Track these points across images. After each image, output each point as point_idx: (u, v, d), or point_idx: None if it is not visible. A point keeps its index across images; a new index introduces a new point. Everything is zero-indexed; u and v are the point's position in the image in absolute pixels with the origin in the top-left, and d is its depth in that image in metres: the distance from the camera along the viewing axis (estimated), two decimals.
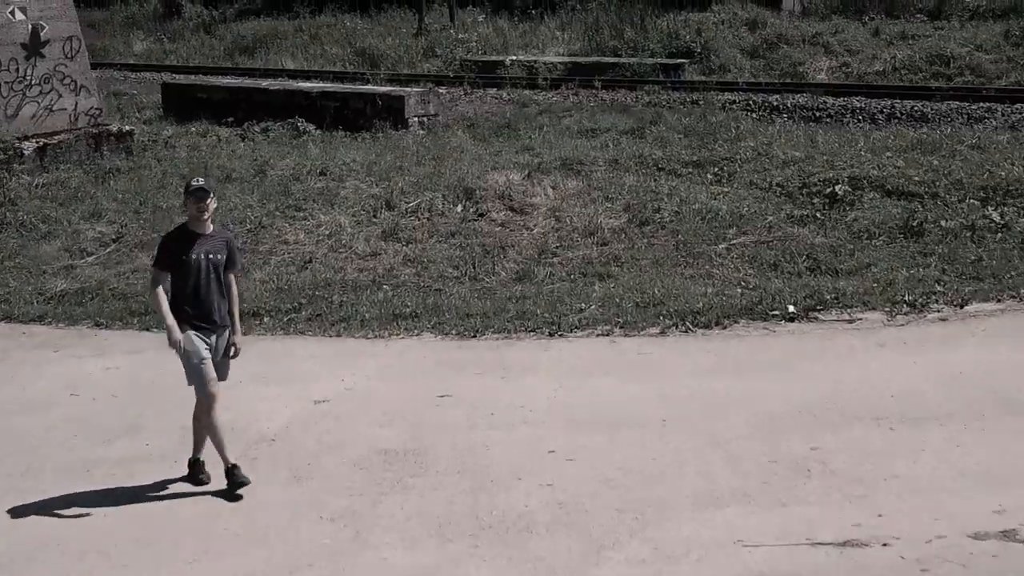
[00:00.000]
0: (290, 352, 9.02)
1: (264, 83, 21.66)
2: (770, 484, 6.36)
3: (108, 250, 12.29)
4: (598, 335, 9.20)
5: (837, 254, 11.23)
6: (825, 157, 14.97)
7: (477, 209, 13.52)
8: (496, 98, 21.31)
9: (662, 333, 9.11)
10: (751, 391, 7.71)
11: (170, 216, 13.06)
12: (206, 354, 6.53)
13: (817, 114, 18.94)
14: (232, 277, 6.80)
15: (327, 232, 12.90)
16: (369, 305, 10.30)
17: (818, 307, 9.45)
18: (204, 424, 6.58)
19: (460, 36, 27.78)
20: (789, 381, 7.87)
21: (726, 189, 13.78)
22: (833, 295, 9.65)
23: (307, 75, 24.76)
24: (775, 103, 19.40)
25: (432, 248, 12.29)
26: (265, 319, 9.85)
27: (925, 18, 27.00)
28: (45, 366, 8.97)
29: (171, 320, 6.47)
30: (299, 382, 8.29)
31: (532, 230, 12.83)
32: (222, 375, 6.67)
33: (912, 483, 6.34)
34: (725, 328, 9.13)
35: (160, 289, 6.53)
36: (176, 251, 6.50)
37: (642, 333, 9.15)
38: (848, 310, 9.41)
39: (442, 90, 21.97)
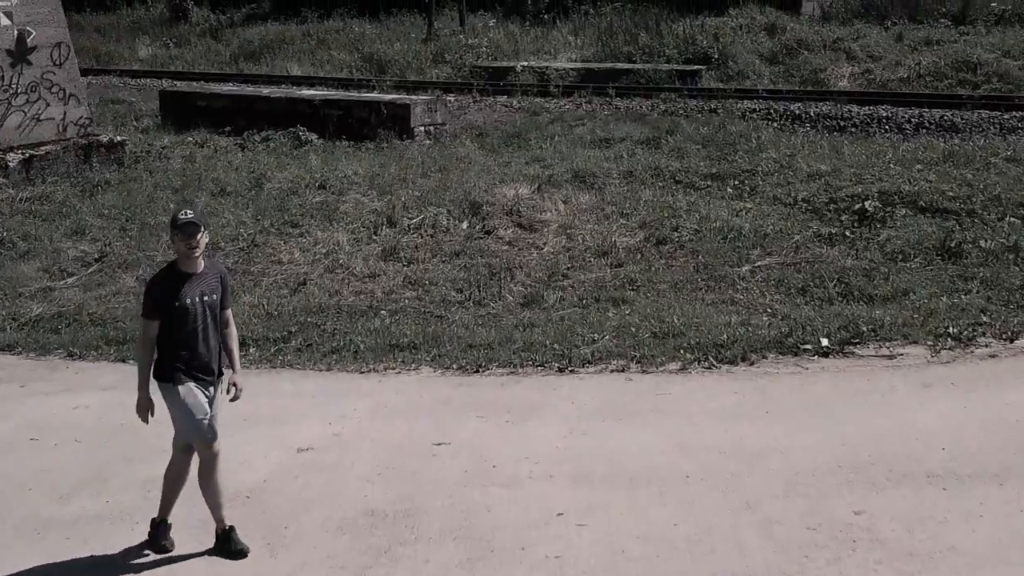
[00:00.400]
0: (276, 389, 8.24)
1: (265, 91, 20.94)
2: (811, 558, 5.55)
3: (90, 270, 11.54)
4: (612, 371, 8.40)
5: (870, 278, 10.40)
6: (852, 170, 14.18)
7: (484, 226, 12.74)
8: (506, 106, 20.53)
9: (683, 369, 8.30)
10: (784, 440, 6.90)
11: (157, 233, 12.32)
12: (208, 409, 5.81)
13: (842, 123, 18.13)
14: (229, 313, 6.05)
15: (324, 251, 12.14)
16: (365, 334, 9.52)
17: (854, 340, 8.62)
18: (202, 484, 5.85)
19: (470, 42, 27.01)
20: (826, 429, 7.04)
21: (748, 205, 12.98)
22: (870, 326, 8.83)
23: (311, 82, 24.03)
24: (797, 112, 18.59)
25: (435, 269, 11.51)
26: (251, 349, 9.07)
27: (949, 23, 26.11)
28: (9, 404, 8.21)
29: (145, 392, 5.77)
30: (283, 425, 7.50)
31: (542, 249, 12.04)
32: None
33: (972, 556, 5.53)
34: (752, 364, 8.32)
35: (149, 342, 5.77)
36: (166, 297, 5.70)
37: (660, 369, 8.34)
38: (887, 344, 8.59)
39: (450, 98, 21.22)
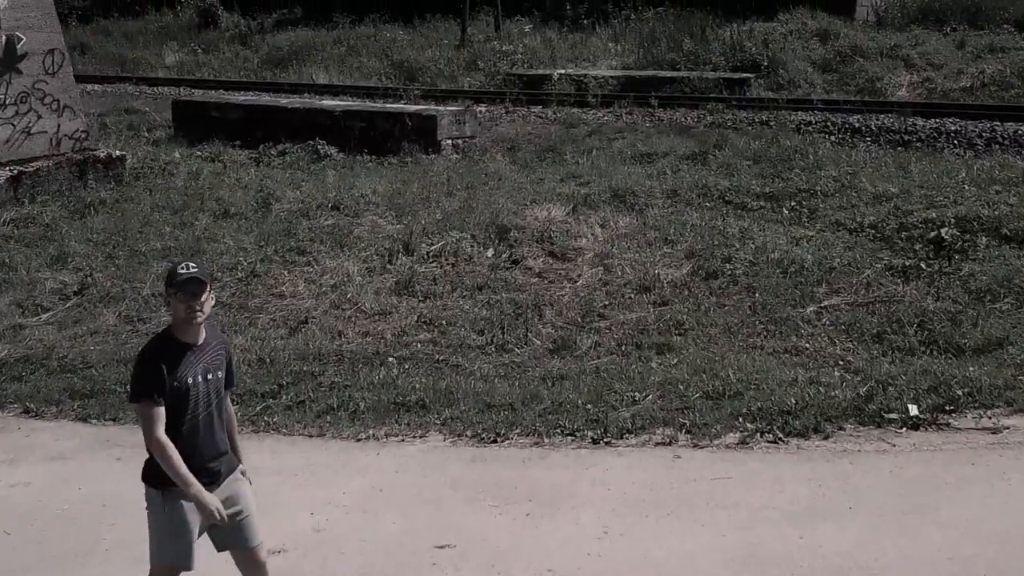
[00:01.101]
0: (256, 463, 6.81)
1: (283, 101, 19.70)
2: None
3: (68, 305, 10.29)
4: (656, 444, 7.00)
5: (956, 323, 8.92)
6: (922, 191, 12.69)
7: (511, 254, 11.37)
8: (540, 117, 19.16)
9: (743, 443, 6.89)
10: (874, 549, 5.47)
11: (147, 262, 11.05)
12: (195, 532, 4.64)
13: (906, 138, 16.59)
14: (230, 393, 4.88)
15: (332, 282, 10.81)
16: (367, 388, 8.19)
17: (948, 407, 7.16)
18: None
19: (504, 48, 25.68)
20: (927, 535, 5.62)
21: (809, 232, 11.52)
22: (965, 389, 7.37)
23: (335, 91, 22.80)
24: (856, 124, 17.08)
25: (453, 305, 10.15)
26: (234, 407, 7.71)
27: (1013, 29, 24.45)
28: None
29: (194, 482, 4.52)
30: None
31: (576, 282, 10.64)
32: (245, 538, 4.80)
33: None
34: (828, 438, 6.89)
35: (163, 435, 4.48)
36: (163, 375, 4.47)
37: (716, 442, 6.93)
38: (988, 412, 7.13)
39: (481, 108, 19.89)
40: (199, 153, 16.73)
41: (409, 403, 7.86)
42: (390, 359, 8.91)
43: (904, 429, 6.96)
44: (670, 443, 6.99)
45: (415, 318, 9.88)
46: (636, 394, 7.78)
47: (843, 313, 9.37)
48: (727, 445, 6.90)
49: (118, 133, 18.60)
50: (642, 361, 8.63)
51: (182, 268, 4.53)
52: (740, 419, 7.18)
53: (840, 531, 5.70)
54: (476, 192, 13.58)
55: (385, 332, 9.59)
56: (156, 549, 4.65)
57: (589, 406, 7.62)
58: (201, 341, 4.61)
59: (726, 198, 13.17)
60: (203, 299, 4.52)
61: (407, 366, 8.75)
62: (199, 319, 4.53)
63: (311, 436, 7.41)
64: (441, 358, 8.95)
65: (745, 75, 21.75)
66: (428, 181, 14.35)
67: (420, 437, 7.34)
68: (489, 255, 11.49)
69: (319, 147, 16.84)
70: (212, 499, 4.52)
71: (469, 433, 7.33)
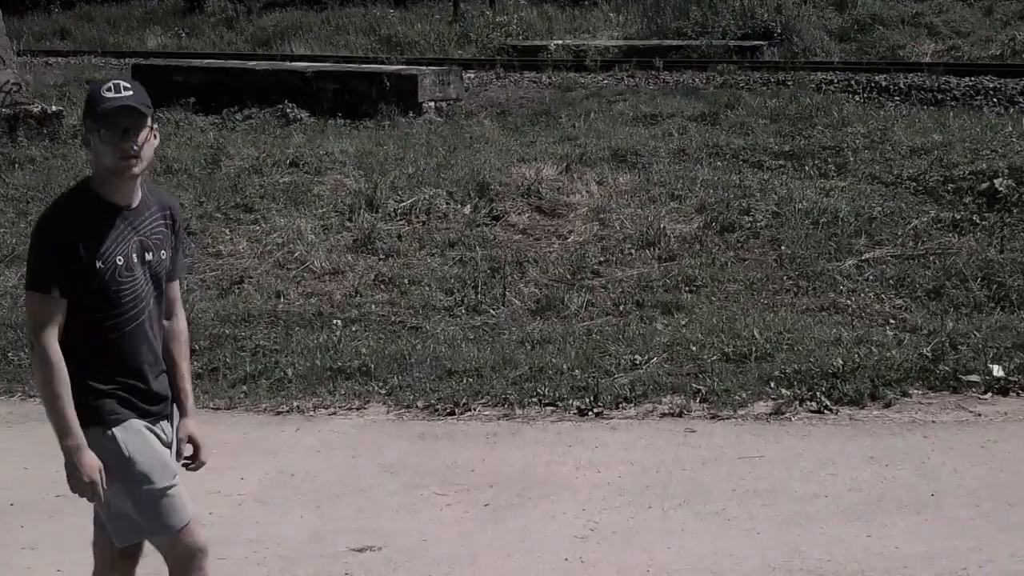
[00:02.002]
0: None
1: (251, 63, 18.06)
2: None
3: None
4: (663, 415, 5.33)
5: None
6: (965, 145, 11.02)
7: (492, 210, 9.69)
8: (534, 82, 17.49)
9: (777, 414, 5.22)
10: (982, 557, 3.78)
11: None
12: (174, 467, 3.10)
13: (939, 96, 14.89)
14: (177, 288, 3.25)
15: (280, 241, 9.13)
16: (299, 354, 6.53)
17: None
18: None
19: (498, 19, 24.04)
20: None
21: (840, 183, 9.85)
22: None
23: (312, 60, 21.14)
24: (883, 83, 15.39)
25: (420, 263, 8.48)
26: None
27: None
28: None
29: (76, 439, 2.92)
30: None
31: (566, 239, 8.96)
32: None
33: None
34: (889, 405, 5.23)
35: (55, 347, 2.90)
36: (80, 250, 2.91)
37: (740, 413, 5.26)
38: None
39: (470, 74, 18.20)
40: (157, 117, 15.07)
41: (349, 369, 6.20)
42: (335, 321, 7.24)
43: (989, 394, 5.30)
44: (680, 414, 5.33)
45: (372, 277, 8.22)
46: (637, 357, 6.13)
47: (889, 267, 7.71)
48: (756, 416, 5.24)
49: (73, 103, 16.97)
50: (645, 322, 6.97)
51: (108, 91, 2.92)
52: (772, 384, 5.52)
53: (922, 527, 4.03)
54: (457, 151, 11.93)
55: (335, 293, 7.93)
56: (113, 519, 3.05)
57: (577, 371, 5.96)
58: (136, 203, 3.00)
59: (741, 157, 11.49)
60: (141, 137, 2.92)
61: (355, 328, 7.08)
62: (135, 168, 2.92)
63: (217, 409, 5.75)
64: (398, 320, 7.29)
65: (757, 43, 20.10)
66: (405, 143, 12.70)
67: (358, 409, 5.69)
68: (466, 212, 9.82)
69: (288, 111, 15.20)
70: (92, 469, 2.89)
71: (420, 404, 5.67)
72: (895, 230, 8.44)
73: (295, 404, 5.77)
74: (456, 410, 5.56)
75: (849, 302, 7.11)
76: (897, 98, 14.96)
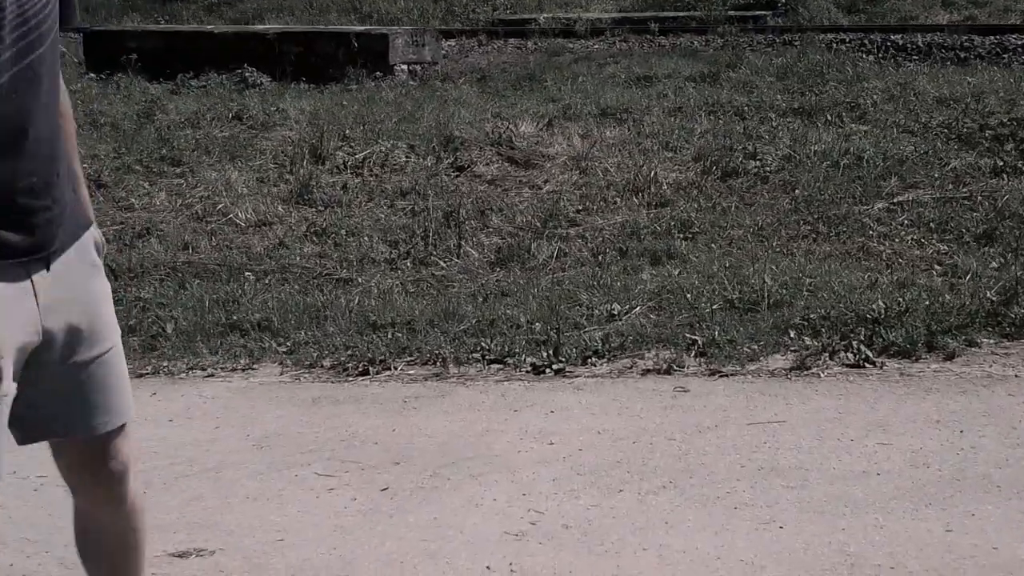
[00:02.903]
0: None
1: (210, 26, 16.70)
2: None
3: None
4: (645, 371, 3.92)
5: None
6: (999, 95, 9.67)
7: (456, 159, 8.29)
8: (519, 48, 16.13)
9: (800, 368, 3.82)
10: None
11: None
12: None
13: (962, 55, 13.50)
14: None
15: (205, 194, 7.73)
16: (191, 308, 5.13)
17: None
18: None
19: None
20: None
21: (862, 127, 8.47)
22: None
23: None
24: (900, 42, 14.02)
25: (363, 214, 7.08)
26: None
27: None
28: None
29: None
30: None
31: (540, 189, 7.57)
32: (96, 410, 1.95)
33: None
34: (952, 358, 3.83)
35: None
36: None
37: (749, 368, 3.86)
38: None
39: (451, 42, 16.84)
40: (105, 88, 13.72)
41: (245, 325, 4.81)
42: (246, 274, 5.85)
43: None
44: (668, 370, 3.94)
45: (304, 229, 6.82)
46: (615, 305, 4.73)
47: (928, 210, 6.31)
48: (771, 372, 3.84)
49: None
50: (629, 272, 5.57)
51: None
52: (791, 333, 4.12)
53: (1013, 514, 2.64)
54: (425, 107, 10.55)
55: (254, 246, 6.53)
56: None
57: (537, 324, 4.57)
58: None
59: (744, 115, 10.12)
60: None
61: (268, 280, 5.69)
62: None
63: None
64: (325, 273, 5.90)
65: (760, 12, 18.76)
66: (369, 101, 11.32)
67: (244, 370, 4.29)
68: (428, 164, 8.42)
69: (248, 75, 13.83)
70: None
71: (328, 363, 4.29)
72: (931, 172, 7.06)
73: (164, 365, 4.38)
74: (371, 369, 4.16)
75: (882, 247, 5.72)
76: (916, 57, 13.60)
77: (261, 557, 2.75)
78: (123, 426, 2.00)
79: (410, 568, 2.67)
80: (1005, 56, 13.27)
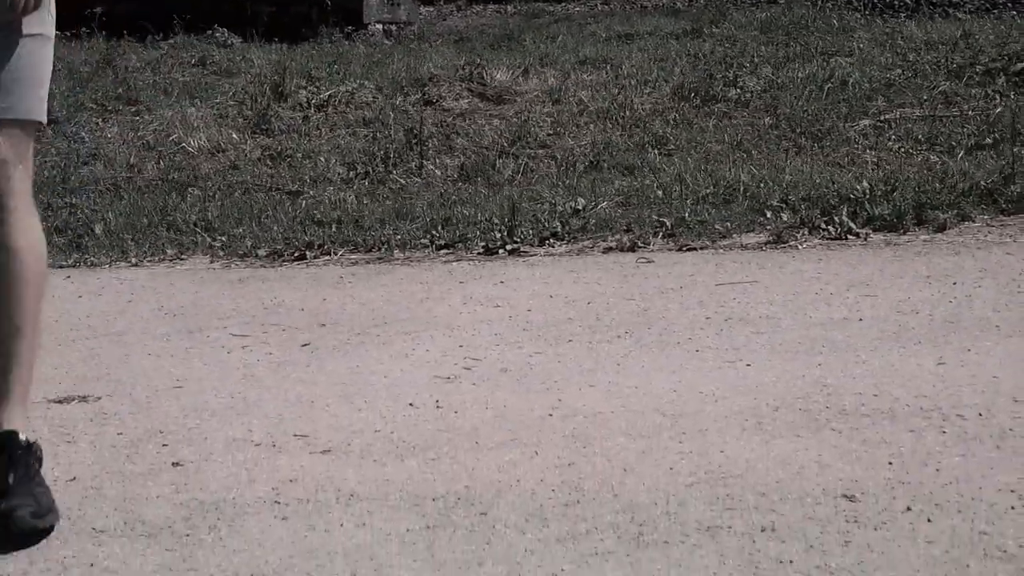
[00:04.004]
0: None
1: None
2: None
3: None
4: (607, 249, 3.57)
5: None
6: (988, 37, 9.35)
7: (424, 94, 7.92)
8: (499, 12, 15.76)
9: (776, 242, 3.46)
10: None
11: None
12: None
13: (949, 10, 13.21)
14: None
15: (158, 127, 7.35)
16: (125, 214, 4.76)
17: None
18: None
19: None
20: None
21: (848, 60, 8.14)
22: None
23: None
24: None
25: (323, 141, 6.71)
26: None
27: None
28: None
29: None
30: None
31: (509, 119, 7.20)
32: None
33: None
34: (944, 230, 3.49)
35: None
36: None
37: (722, 243, 3.51)
38: None
39: (429, 8, 16.48)
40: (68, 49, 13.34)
41: (183, 225, 4.44)
42: (191, 189, 5.48)
43: None
44: (633, 247, 3.57)
45: (259, 154, 6.45)
46: (580, 200, 4.37)
47: (917, 125, 5.97)
48: (744, 246, 3.48)
49: None
50: (601, 183, 5.21)
51: None
52: (767, 213, 3.77)
53: (1016, 349, 2.29)
54: (397, 53, 10.19)
55: (202, 167, 6.16)
56: None
57: (496, 219, 4.20)
58: None
59: (726, 63, 9.77)
60: None
61: (215, 194, 5.33)
62: None
63: None
64: (275, 187, 5.53)
65: None
66: (339, 54, 10.96)
67: (173, 259, 3.92)
68: (395, 103, 8.05)
69: (218, 36, 13.47)
70: None
71: (263, 252, 3.91)
72: (919, 95, 6.73)
73: (87, 258, 4.01)
74: (308, 254, 3.80)
75: (866, 156, 5.38)
76: (902, 12, 13.31)
77: (152, 402, 2.40)
78: (11, 121, 1.97)
79: (321, 408, 2.31)
80: (995, 11, 12.97)
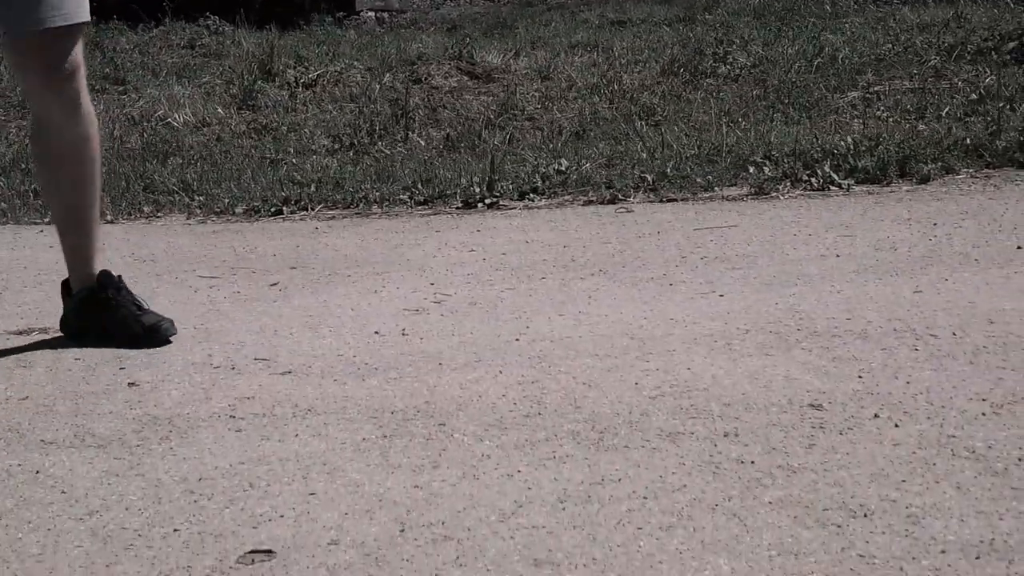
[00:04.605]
0: None
1: None
2: None
3: None
4: (588, 203, 3.53)
5: None
6: (984, 20, 9.30)
7: (412, 73, 7.88)
8: (492, 0, 15.73)
9: (758, 193, 3.42)
10: None
11: None
12: None
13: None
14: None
15: (144, 105, 7.31)
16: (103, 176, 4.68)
17: None
18: None
19: None
20: None
21: (840, 38, 8.10)
22: None
23: None
24: None
25: (309, 117, 6.66)
26: None
27: None
28: None
29: None
30: None
31: (497, 95, 7.15)
32: None
33: None
34: (927, 181, 3.44)
35: None
36: None
37: (703, 196, 3.46)
38: None
39: None
40: None
41: (160, 187, 4.39)
42: (173, 157, 5.43)
43: None
44: (613, 200, 3.52)
45: (244, 128, 6.41)
46: (562, 163, 4.32)
47: (907, 97, 5.92)
48: (725, 198, 3.43)
49: None
50: (585, 147, 5.16)
51: None
52: (750, 169, 3.72)
53: (1011, 280, 2.24)
54: (387, 37, 10.17)
55: (186, 140, 6.11)
56: None
57: (476, 179, 4.15)
58: None
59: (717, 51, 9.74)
60: None
61: (197, 162, 5.28)
62: None
63: None
64: (259, 156, 5.48)
65: None
66: (328, 37, 10.91)
67: (149, 217, 3.87)
68: (384, 81, 8.00)
69: (209, 23, 13.44)
70: None
71: (240, 209, 3.86)
72: (909, 70, 6.68)
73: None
74: (285, 209, 3.75)
75: (853, 124, 5.33)
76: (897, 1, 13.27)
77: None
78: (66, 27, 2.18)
79: (284, 336, 2.26)
80: None
